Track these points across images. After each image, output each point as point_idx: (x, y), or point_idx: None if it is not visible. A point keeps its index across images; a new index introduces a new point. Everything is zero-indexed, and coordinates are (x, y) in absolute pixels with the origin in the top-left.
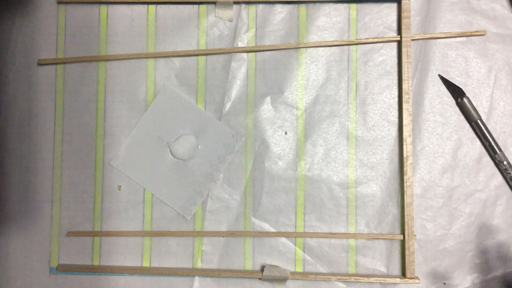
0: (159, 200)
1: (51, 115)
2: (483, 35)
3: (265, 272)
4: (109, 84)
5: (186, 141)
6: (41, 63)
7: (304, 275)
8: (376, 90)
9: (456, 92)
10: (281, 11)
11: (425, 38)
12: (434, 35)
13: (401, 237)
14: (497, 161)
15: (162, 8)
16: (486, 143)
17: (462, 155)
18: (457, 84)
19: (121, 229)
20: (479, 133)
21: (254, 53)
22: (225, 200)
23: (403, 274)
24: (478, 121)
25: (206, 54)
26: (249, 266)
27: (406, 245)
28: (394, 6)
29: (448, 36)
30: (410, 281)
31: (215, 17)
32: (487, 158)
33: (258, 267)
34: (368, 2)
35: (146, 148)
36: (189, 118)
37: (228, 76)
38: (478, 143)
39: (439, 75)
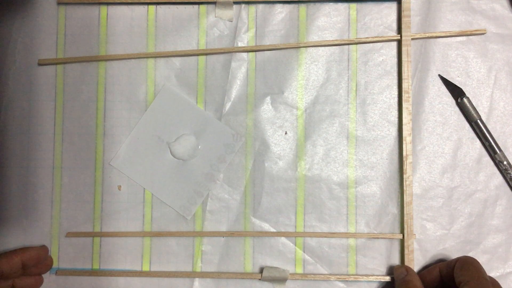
0: (159, 200)
1: (51, 115)
2: (483, 34)
3: (264, 273)
4: (109, 84)
5: (186, 141)
6: (41, 63)
7: (303, 276)
8: (376, 90)
9: (456, 92)
10: (281, 11)
11: (425, 37)
12: (434, 34)
13: (400, 236)
14: (497, 161)
15: (162, 8)
16: (486, 143)
17: (462, 155)
18: (457, 84)
19: (121, 229)
20: (479, 133)
21: (254, 53)
22: (225, 200)
23: None
24: (478, 121)
25: (206, 54)
26: (249, 266)
27: (406, 244)
28: (394, 6)
29: (448, 35)
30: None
31: (215, 17)
32: (487, 158)
33: (258, 267)
34: (368, 2)
35: (146, 148)
36: (189, 118)
37: (228, 76)
38: (478, 143)
39: (439, 75)
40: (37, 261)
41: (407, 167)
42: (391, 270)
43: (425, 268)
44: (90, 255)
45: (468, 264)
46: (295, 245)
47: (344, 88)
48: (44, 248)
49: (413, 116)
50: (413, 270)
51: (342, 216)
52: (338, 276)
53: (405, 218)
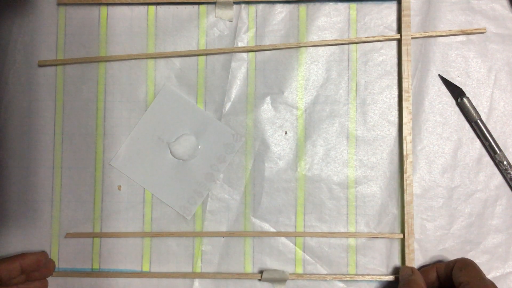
0: (159, 200)
1: (51, 115)
2: (483, 33)
3: (264, 275)
4: (109, 84)
5: (186, 141)
6: (41, 65)
7: (303, 276)
8: (376, 90)
9: (456, 92)
10: (281, 11)
11: (425, 36)
12: (433, 33)
13: (401, 235)
14: (497, 161)
15: (162, 8)
16: (486, 143)
17: (462, 155)
18: (457, 84)
19: (121, 229)
20: (479, 133)
21: (254, 53)
22: (225, 200)
23: None
24: (478, 121)
25: (206, 54)
26: (249, 266)
27: (406, 243)
28: (394, 6)
29: (448, 34)
30: None
31: (215, 17)
32: (487, 158)
33: (258, 268)
34: (368, 2)
35: (146, 148)
36: (189, 118)
37: (228, 76)
38: (478, 143)
39: (439, 75)
40: (37, 267)
41: (408, 167)
42: (391, 270)
43: (422, 268)
44: (90, 255)
45: (468, 266)
46: (295, 245)
47: (344, 88)
48: (43, 254)
49: (413, 116)
50: (418, 271)
51: (342, 216)
52: (338, 276)
53: (405, 218)
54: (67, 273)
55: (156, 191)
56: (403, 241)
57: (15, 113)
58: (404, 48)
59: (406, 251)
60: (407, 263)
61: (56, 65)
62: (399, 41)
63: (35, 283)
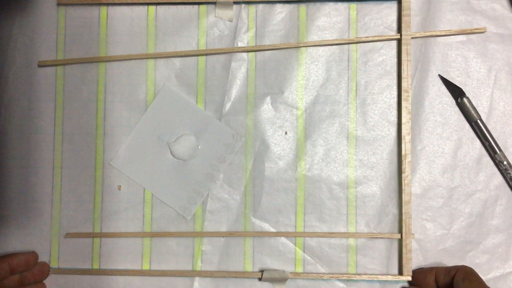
0: (159, 200)
1: (51, 115)
2: (483, 32)
3: (265, 275)
4: (109, 84)
5: (186, 141)
6: (41, 65)
7: (303, 275)
8: (376, 90)
9: (456, 92)
10: (281, 11)
11: (425, 36)
12: (434, 33)
13: (398, 235)
14: (497, 161)
15: (162, 8)
16: (486, 143)
17: (462, 155)
18: (457, 84)
19: (121, 229)
20: (479, 133)
21: (254, 53)
22: (225, 200)
23: (401, 273)
24: (478, 121)
25: (206, 54)
26: (249, 266)
27: (404, 243)
28: (394, 6)
29: (448, 34)
30: (402, 277)
31: (215, 17)
32: (487, 158)
33: (258, 267)
34: (368, 2)
35: (146, 148)
36: (189, 118)
37: (228, 76)
38: (478, 143)
39: (439, 75)
40: (26, 266)
41: (406, 166)
42: (390, 270)
43: (420, 269)
44: (90, 255)
45: (470, 276)
46: (295, 245)
47: (344, 88)
48: (32, 253)
49: (413, 116)
50: None
51: (342, 216)
52: (338, 276)
53: (403, 217)
54: (65, 271)
55: (156, 191)
56: (400, 241)
57: (15, 113)
58: (404, 48)
59: (404, 250)
60: (404, 263)
61: (56, 65)
62: (399, 41)
63: (31, 286)
